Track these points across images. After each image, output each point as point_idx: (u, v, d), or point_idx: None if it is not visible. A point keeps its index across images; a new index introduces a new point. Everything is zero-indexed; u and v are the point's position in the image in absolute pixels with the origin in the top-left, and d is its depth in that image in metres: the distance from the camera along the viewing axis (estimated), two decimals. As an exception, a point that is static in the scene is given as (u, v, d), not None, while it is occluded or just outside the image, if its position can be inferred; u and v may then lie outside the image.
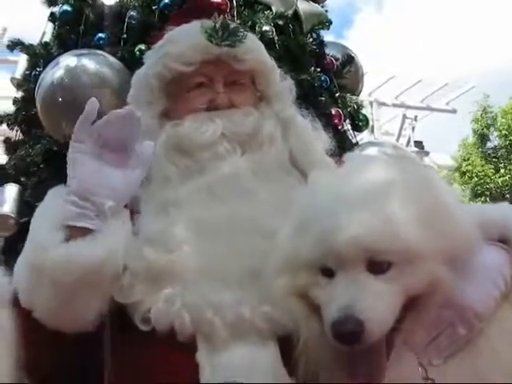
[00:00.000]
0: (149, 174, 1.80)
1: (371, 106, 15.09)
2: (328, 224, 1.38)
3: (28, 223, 1.71)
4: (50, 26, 3.42)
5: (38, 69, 3.21)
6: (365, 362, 1.37)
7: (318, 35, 3.47)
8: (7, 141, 3.40)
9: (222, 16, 1.96)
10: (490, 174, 18.56)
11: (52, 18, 3.35)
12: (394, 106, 16.25)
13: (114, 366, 1.69)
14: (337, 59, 3.57)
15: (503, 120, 18.89)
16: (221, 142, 1.83)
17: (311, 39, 3.36)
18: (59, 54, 3.02)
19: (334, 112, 3.30)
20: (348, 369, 1.41)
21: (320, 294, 1.40)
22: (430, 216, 1.38)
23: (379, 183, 1.42)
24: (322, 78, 3.33)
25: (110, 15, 3.16)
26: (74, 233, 1.59)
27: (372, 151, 3.23)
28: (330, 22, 3.46)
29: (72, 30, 3.21)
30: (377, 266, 1.35)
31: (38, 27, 3.74)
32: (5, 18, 12.78)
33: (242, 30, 1.94)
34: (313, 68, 3.31)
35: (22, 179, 3.14)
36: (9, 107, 3.40)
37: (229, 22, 1.96)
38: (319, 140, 1.99)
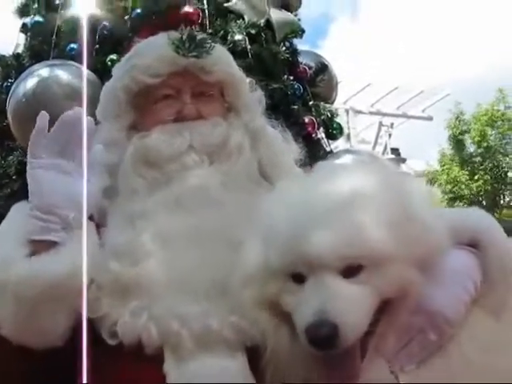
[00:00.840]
0: (116, 187, 1.80)
1: (347, 114, 15.13)
2: (298, 230, 1.38)
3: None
4: (22, 36, 3.40)
5: (9, 80, 3.19)
6: (339, 366, 1.38)
7: (291, 44, 3.48)
8: (-21, 153, 3.36)
9: (189, 27, 1.97)
10: (464, 180, 18.73)
11: (24, 28, 3.34)
12: (371, 113, 16.32)
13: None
14: (310, 67, 3.59)
15: (476, 126, 19.07)
16: (188, 154, 1.82)
17: (284, 48, 3.37)
18: (31, 65, 3.00)
19: (307, 120, 3.31)
20: (322, 374, 1.41)
21: (291, 301, 1.40)
22: (400, 220, 1.38)
23: (348, 189, 1.43)
24: (295, 87, 3.34)
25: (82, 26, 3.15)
26: (39, 247, 1.57)
27: (347, 159, 3.23)
28: (303, 31, 3.48)
29: (44, 41, 3.20)
30: (348, 270, 1.35)
31: (9, 38, 3.72)
32: (-22, 29, 12.65)
33: (209, 41, 1.93)
34: (286, 76, 3.32)
35: (-5, 191, 3.11)
36: (-20, 119, 3.36)
37: (196, 33, 1.95)
38: (289, 151, 2.00)
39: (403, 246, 1.38)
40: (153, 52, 1.92)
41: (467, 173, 18.98)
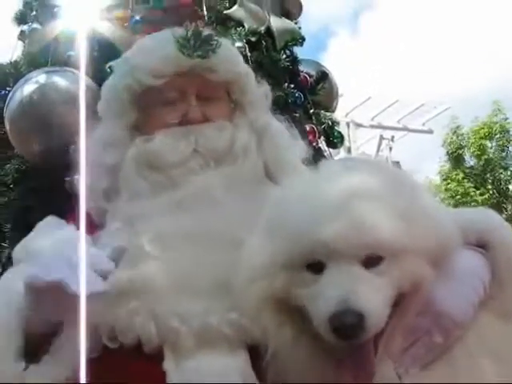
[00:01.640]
0: (115, 187, 1.76)
1: (348, 128, 15.15)
2: (317, 219, 1.36)
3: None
4: (20, 44, 3.37)
5: (7, 88, 3.16)
6: (355, 363, 1.35)
7: (292, 52, 3.45)
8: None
9: (194, 24, 1.90)
10: (471, 191, 18.68)
11: (22, 36, 3.31)
12: (371, 126, 16.34)
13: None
14: (311, 76, 3.56)
15: (474, 140, 19.06)
16: (193, 158, 1.80)
17: (284, 56, 3.34)
18: (29, 73, 2.97)
19: (308, 128, 3.27)
20: (328, 373, 1.38)
21: (305, 292, 1.37)
22: (413, 213, 1.38)
23: (361, 182, 1.42)
24: (296, 95, 3.30)
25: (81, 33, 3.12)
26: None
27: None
28: (303, 39, 3.45)
29: (42, 49, 3.17)
30: (368, 260, 1.34)
31: (7, 46, 3.70)
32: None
33: (215, 38, 1.88)
34: (286, 84, 3.28)
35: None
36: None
37: (201, 29, 1.89)
38: (295, 147, 1.96)
39: (417, 238, 1.36)
40: (156, 51, 1.87)
41: (472, 185, 18.95)
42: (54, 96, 2.68)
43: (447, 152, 19.37)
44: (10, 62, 3.31)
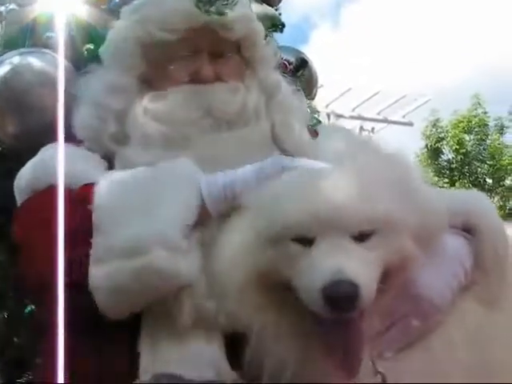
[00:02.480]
0: (124, 132, 1.78)
1: (329, 118, 15.13)
2: (310, 191, 1.35)
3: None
4: (-2, 25, 3.32)
5: (-16, 69, 3.11)
6: (345, 340, 1.33)
7: (266, 37, 3.42)
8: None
9: None
10: (446, 187, 18.75)
11: (-1, 17, 3.26)
12: (352, 118, 16.34)
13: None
14: (290, 63, 3.54)
15: (452, 133, 19.13)
16: (205, 119, 1.77)
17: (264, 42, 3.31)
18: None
19: (286, 115, 3.25)
20: (311, 354, 1.38)
21: (293, 265, 1.35)
22: (408, 193, 1.38)
23: (359, 160, 1.43)
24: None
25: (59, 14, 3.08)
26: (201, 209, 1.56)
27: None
28: (283, 25, 3.43)
29: (20, 30, 3.12)
30: (359, 234, 1.33)
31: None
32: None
33: None
34: (266, 71, 3.25)
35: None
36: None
37: None
38: (302, 111, 1.95)
39: (407, 216, 1.36)
40: (171, 4, 1.80)
41: (447, 180, 19.02)
42: (28, 77, 2.64)
43: (426, 145, 19.44)
44: (-13, 44, 3.28)
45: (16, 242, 1.78)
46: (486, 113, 19.49)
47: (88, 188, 1.63)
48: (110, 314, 1.53)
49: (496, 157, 19.03)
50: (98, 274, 1.51)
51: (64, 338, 1.47)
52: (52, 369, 1.43)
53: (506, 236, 1.50)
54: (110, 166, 1.79)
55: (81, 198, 1.62)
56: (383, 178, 1.38)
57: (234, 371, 1.55)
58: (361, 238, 1.34)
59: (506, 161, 19.13)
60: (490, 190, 19.11)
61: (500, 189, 19.21)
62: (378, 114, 16.64)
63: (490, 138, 19.48)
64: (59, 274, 1.47)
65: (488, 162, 19.23)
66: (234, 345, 1.54)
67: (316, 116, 3.55)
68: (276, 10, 3.60)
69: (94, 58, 2.73)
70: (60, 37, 2.95)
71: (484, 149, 19.42)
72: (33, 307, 2.62)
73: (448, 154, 19.60)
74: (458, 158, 19.15)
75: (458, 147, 19.04)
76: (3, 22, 3.23)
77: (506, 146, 19.53)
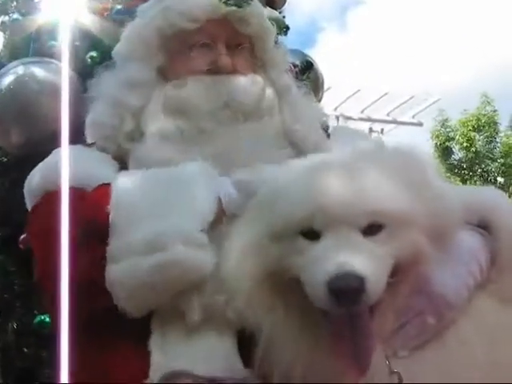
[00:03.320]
0: (139, 129, 1.76)
1: (338, 121, 15.10)
2: (318, 185, 1.32)
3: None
4: (1, 35, 3.33)
5: (-12, 80, 3.12)
6: (353, 337, 1.28)
7: (276, 41, 3.42)
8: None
9: None
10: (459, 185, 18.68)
11: (3, 27, 3.27)
12: (361, 119, 16.29)
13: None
14: (295, 66, 3.53)
15: (462, 131, 19.08)
16: (223, 110, 1.77)
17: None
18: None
19: (292, 118, 3.24)
20: (319, 355, 1.34)
21: (300, 259, 1.31)
22: (420, 188, 1.34)
23: (371, 154, 1.40)
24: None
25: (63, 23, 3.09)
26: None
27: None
28: (288, 28, 3.42)
29: (23, 39, 3.14)
30: (368, 228, 1.29)
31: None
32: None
33: None
34: (271, 74, 3.25)
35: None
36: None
37: None
38: (312, 108, 1.95)
39: (420, 212, 1.32)
40: None
41: (459, 179, 18.96)
42: (32, 87, 2.65)
43: (435, 144, 19.39)
44: (-9, 54, 3.30)
45: (29, 245, 1.78)
46: (495, 111, 19.43)
47: (104, 189, 1.63)
48: (130, 311, 1.52)
49: (507, 155, 18.97)
50: (116, 271, 1.51)
51: (73, 339, 1.49)
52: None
53: None
54: (122, 166, 1.78)
55: (97, 198, 1.62)
56: (395, 173, 1.35)
57: (246, 368, 1.54)
58: (370, 232, 1.29)
59: (517, 159, 19.08)
60: (501, 189, 19.03)
61: (512, 187, 19.17)
62: (387, 115, 16.57)
63: (500, 135, 19.43)
64: (63, 276, 1.49)
65: (499, 161, 19.17)
66: (247, 342, 1.52)
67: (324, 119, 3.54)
68: (280, 12, 3.58)
69: (98, 65, 2.75)
70: (64, 46, 2.96)
71: (494, 147, 19.36)
72: (42, 317, 2.63)
73: (458, 153, 19.55)
74: (469, 156, 19.09)
75: (468, 145, 18.98)
76: (7, 32, 3.25)
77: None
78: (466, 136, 18.92)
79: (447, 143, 19.20)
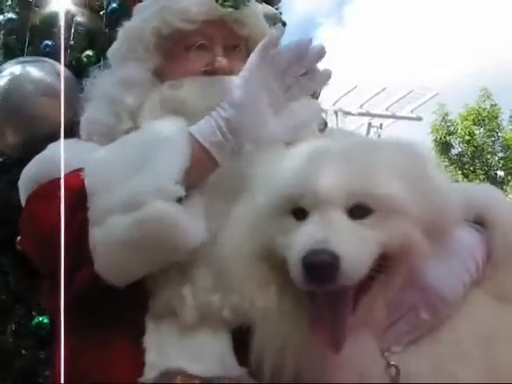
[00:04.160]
0: (137, 128, 1.73)
1: (336, 116, 15.11)
2: (310, 166, 1.32)
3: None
4: (-4, 34, 3.32)
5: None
6: (329, 314, 1.28)
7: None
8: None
9: None
10: (460, 179, 18.66)
11: (-3, 26, 3.26)
12: (360, 114, 16.29)
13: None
14: (292, 62, 3.51)
15: (463, 125, 19.08)
16: None
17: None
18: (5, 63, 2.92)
19: (290, 115, 3.23)
20: (310, 325, 1.31)
21: (286, 238, 1.30)
22: (417, 181, 1.33)
23: (368, 144, 1.42)
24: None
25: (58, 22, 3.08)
26: (197, 153, 1.55)
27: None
28: (284, 24, 3.41)
29: (18, 38, 3.12)
30: (355, 210, 1.28)
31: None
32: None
33: None
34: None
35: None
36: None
37: None
38: (308, 111, 1.95)
39: (415, 202, 1.30)
40: None
41: (460, 172, 18.97)
42: (28, 87, 2.63)
43: (435, 138, 19.39)
44: (-14, 53, 3.28)
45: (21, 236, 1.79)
46: (495, 105, 19.42)
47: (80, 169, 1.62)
48: (110, 277, 1.50)
49: (508, 148, 18.96)
50: (97, 233, 1.50)
51: (67, 337, 1.50)
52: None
53: None
54: None
55: (74, 174, 1.61)
56: (392, 163, 1.34)
57: (241, 367, 1.53)
58: (358, 215, 1.28)
59: (518, 153, 19.06)
60: (501, 183, 19.04)
61: (512, 181, 19.15)
62: (386, 109, 16.58)
63: (501, 129, 19.42)
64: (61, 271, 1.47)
65: (499, 155, 19.17)
66: (242, 340, 1.49)
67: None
68: (277, 9, 3.57)
69: (93, 64, 2.74)
70: (60, 44, 2.95)
71: (495, 141, 19.36)
72: (40, 319, 2.62)
73: (458, 148, 19.55)
74: (470, 150, 19.09)
75: (469, 138, 18.97)
76: (2, 31, 3.23)
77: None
78: (466, 129, 18.93)
79: (447, 137, 19.20)
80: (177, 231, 1.49)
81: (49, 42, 2.99)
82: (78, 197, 1.53)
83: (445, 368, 1.33)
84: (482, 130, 19.23)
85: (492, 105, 19.25)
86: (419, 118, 17.18)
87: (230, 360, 1.54)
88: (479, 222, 1.46)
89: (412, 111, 16.96)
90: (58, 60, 2.83)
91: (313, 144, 1.43)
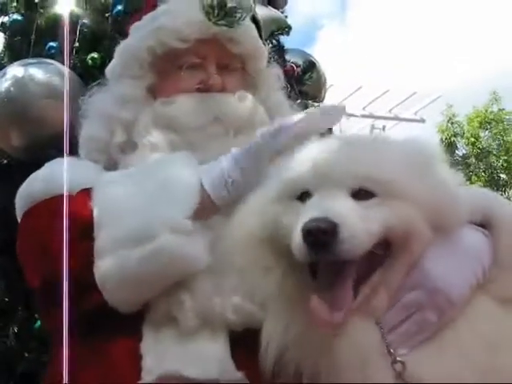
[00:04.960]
0: (130, 142, 1.79)
1: (340, 118, 15.08)
2: (319, 152, 1.37)
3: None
4: (1, 36, 3.31)
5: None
6: (327, 296, 1.30)
7: (278, 41, 3.40)
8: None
9: None
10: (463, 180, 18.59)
11: (2, 27, 3.24)
12: (363, 116, 16.27)
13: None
14: (298, 66, 3.51)
15: (469, 127, 19.05)
16: (214, 125, 1.79)
17: (271, 45, 3.28)
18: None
19: (295, 119, 3.22)
20: (309, 305, 1.31)
21: (293, 218, 1.33)
22: (424, 173, 1.36)
23: (379, 138, 1.49)
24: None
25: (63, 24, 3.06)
26: (204, 200, 1.58)
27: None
28: (290, 28, 3.40)
29: (23, 40, 3.11)
30: (359, 194, 1.32)
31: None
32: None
33: (239, 11, 1.86)
34: (272, 74, 3.23)
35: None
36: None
37: (226, 0, 1.86)
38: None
39: (418, 190, 1.33)
40: (182, 14, 1.85)
41: (463, 174, 18.94)
42: (32, 89, 2.62)
43: (441, 139, 19.36)
44: (-9, 54, 3.26)
45: (18, 251, 1.81)
46: (502, 109, 19.38)
47: (87, 190, 1.64)
48: (120, 306, 1.53)
49: (510, 152, 18.94)
50: (105, 266, 1.52)
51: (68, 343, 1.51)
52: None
53: None
54: None
55: (80, 198, 1.63)
56: (400, 154, 1.38)
57: (239, 371, 1.55)
58: (360, 197, 1.32)
59: (521, 156, 19.02)
60: (504, 186, 19.01)
61: (515, 184, 19.10)
62: (389, 112, 16.55)
63: (505, 133, 19.38)
64: (64, 277, 1.49)
65: (502, 157, 19.14)
66: (240, 344, 1.55)
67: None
68: (282, 12, 3.56)
69: (99, 66, 2.73)
70: (65, 47, 2.94)
71: (500, 144, 19.32)
72: (43, 321, 2.62)
73: (462, 149, 19.53)
74: (474, 152, 19.06)
75: (474, 140, 18.95)
76: (7, 33, 3.22)
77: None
78: (472, 132, 18.91)
79: (452, 138, 19.19)
80: (187, 261, 1.52)
81: (54, 44, 2.98)
82: (85, 226, 1.55)
83: (448, 371, 1.33)
84: (487, 132, 19.20)
85: (500, 109, 19.22)
86: (422, 120, 17.15)
87: (228, 364, 1.55)
88: (484, 225, 1.46)
89: (415, 113, 16.93)
90: (63, 62, 2.84)
91: (320, 140, 1.46)
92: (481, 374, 1.34)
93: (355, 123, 16.62)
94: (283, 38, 3.45)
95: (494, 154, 19.28)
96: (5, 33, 3.24)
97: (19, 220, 1.80)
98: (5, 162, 2.85)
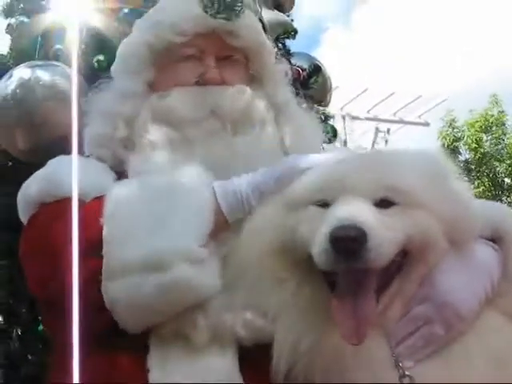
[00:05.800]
0: (132, 137, 1.79)
1: (344, 120, 15.09)
2: (338, 162, 1.39)
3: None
4: (8, 38, 3.30)
5: (-5, 82, 3.08)
6: (351, 308, 1.31)
7: (284, 45, 3.40)
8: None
9: None
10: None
11: (9, 29, 3.24)
12: (367, 119, 16.27)
13: None
14: (303, 69, 3.50)
15: (469, 133, 19.00)
16: (210, 119, 1.78)
17: (276, 48, 3.27)
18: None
19: (300, 123, 3.22)
20: (326, 326, 1.35)
21: (312, 224, 1.34)
22: (439, 183, 1.39)
23: (399, 150, 1.48)
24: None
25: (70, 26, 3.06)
26: (218, 219, 1.56)
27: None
28: (296, 32, 3.40)
29: (30, 42, 3.10)
30: (380, 203, 1.33)
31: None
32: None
33: (239, 4, 1.85)
34: (278, 78, 3.22)
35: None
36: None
37: None
38: (314, 129, 1.94)
39: (436, 201, 1.35)
40: (180, 8, 1.85)
41: (466, 179, 18.87)
42: (39, 91, 2.61)
43: (443, 145, 19.30)
44: (-3, 56, 3.26)
45: (21, 256, 1.78)
46: (502, 112, 19.32)
47: (98, 202, 1.62)
48: (130, 328, 1.52)
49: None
50: (115, 289, 1.50)
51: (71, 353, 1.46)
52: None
53: None
54: (118, 175, 1.79)
55: (91, 212, 1.60)
56: (415, 164, 1.40)
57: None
58: (382, 206, 1.33)
59: (525, 160, 18.97)
60: (508, 190, 18.94)
61: (519, 189, 19.04)
62: (394, 114, 16.54)
63: (507, 137, 19.32)
64: (74, 287, 1.45)
65: (506, 162, 19.08)
66: (249, 358, 1.54)
67: (330, 123, 3.52)
68: (288, 16, 3.56)
69: (105, 69, 2.72)
70: (73, 49, 2.93)
71: (502, 148, 19.26)
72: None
73: (465, 154, 19.47)
74: (476, 157, 19.00)
75: (476, 146, 18.89)
76: (14, 34, 3.22)
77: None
78: (474, 136, 18.84)
79: (454, 143, 19.13)
80: (202, 290, 1.51)
81: (60, 46, 2.98)
82: (93, 240, 1.53)
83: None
84: (489, 136, 19.13)
85: (500, 111, 19.14)
86: (427, 124, 17.13)
87: (236, 379, 1.53)
88: (494, 239, 1.46)
89: (420, 116, 16.91)
90: (69, 64, 2.83)
91: (335, 151, 1.46)
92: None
93: (359, 126, 16.64)
94: (289, 42, 3.45)
95: (497, 158, 19.21)
96: (11, 35, 3.24)
97: (23, 222, 1.79)
98: (10, 163, 2.85)
